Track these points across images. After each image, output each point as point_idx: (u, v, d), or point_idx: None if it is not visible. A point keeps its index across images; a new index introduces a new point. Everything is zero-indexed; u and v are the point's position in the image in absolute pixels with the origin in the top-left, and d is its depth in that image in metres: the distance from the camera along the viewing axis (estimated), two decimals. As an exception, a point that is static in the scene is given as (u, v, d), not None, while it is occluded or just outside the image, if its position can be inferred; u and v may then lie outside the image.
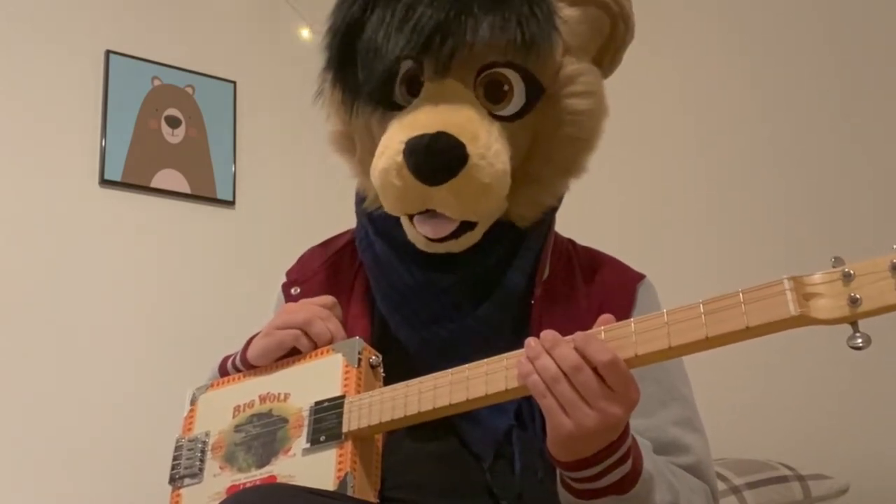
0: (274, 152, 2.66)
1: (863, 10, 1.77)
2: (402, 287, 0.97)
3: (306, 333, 0.93)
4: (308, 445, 0.86)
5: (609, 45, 1.00)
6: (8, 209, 2.19)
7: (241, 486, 0.88)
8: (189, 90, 2.55)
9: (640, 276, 1.02)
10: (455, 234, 0.92)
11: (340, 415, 0.85)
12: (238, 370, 0.99)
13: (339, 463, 0.83)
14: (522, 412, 0.91)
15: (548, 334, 0.73)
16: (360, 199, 1.05)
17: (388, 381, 0.89)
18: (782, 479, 1.49)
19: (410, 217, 0.94)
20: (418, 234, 0.93)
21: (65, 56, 2.36)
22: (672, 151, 2.14)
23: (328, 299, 0.98)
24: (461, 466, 0.90)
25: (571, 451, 0.74)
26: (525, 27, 0.87)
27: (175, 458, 0.97)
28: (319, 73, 0.99)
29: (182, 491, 0.94)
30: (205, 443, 0.96)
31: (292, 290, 1.07)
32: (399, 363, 0.92)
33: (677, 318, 0.70)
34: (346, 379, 0.88)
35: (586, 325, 0.76)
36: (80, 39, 2.39)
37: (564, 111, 0.95)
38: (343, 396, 0.87)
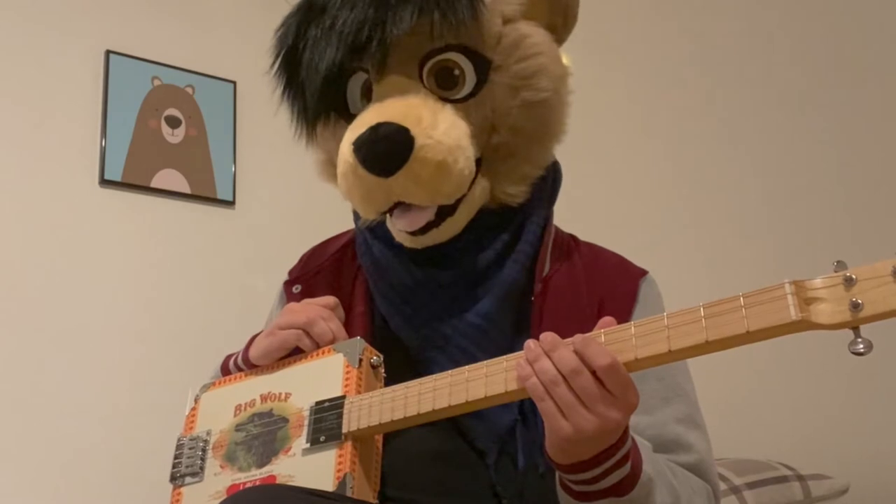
0: (274, 152, 2.65)
1: (861, 7, 1.77)
2: (402, 287, 0.97)
3: (308, 333, 0.93)
4: (308, 445, 0.86)
5: (557, 6, 1.01)
6: (8, 209, 2.18)
7: (242, 486, 0.88)
8: (189, 90, 2.54)
9: (643, 272, 1.01)
10: (435, 223, 0.93)
11: (340, 415, 0.85)
12: (240, 369, 1.00)
13: (339, 463, 0.83)
14: (525, 407, 0.91)
15: (547, 336, 0.73)
16: (357, 217, 1.06)
17: (390, 381, 0.89)
18: (782, 479, 1.49)
19: (390, 216, 0.94)
20: (399, 230, 0.94)
21: (65, 56, 2.35)
22: (672, 152, 2.14)
23: (330, 300, 0.98)
24: (462, 465, 0.90)
25: (570, 454, 0.74)
26: (446, 6, 0.89)
27: (176, 457, 0.97)
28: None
29: (183, 489, 0.94)
30: (206, 441, 0.96)
31: (294, 289, 1.08)
32: (401, 362, 0.93)
33: (677, 321, 0.70)
34: (346, 379, 0.88)
35: (587, 321, 0.76)
36: (80, 39, 2.38)
37: (516, 77, 0.95)
38: (343, 397, 0.87)
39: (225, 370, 1.02)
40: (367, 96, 0.97)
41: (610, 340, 0.72)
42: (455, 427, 0.90)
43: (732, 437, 1.67)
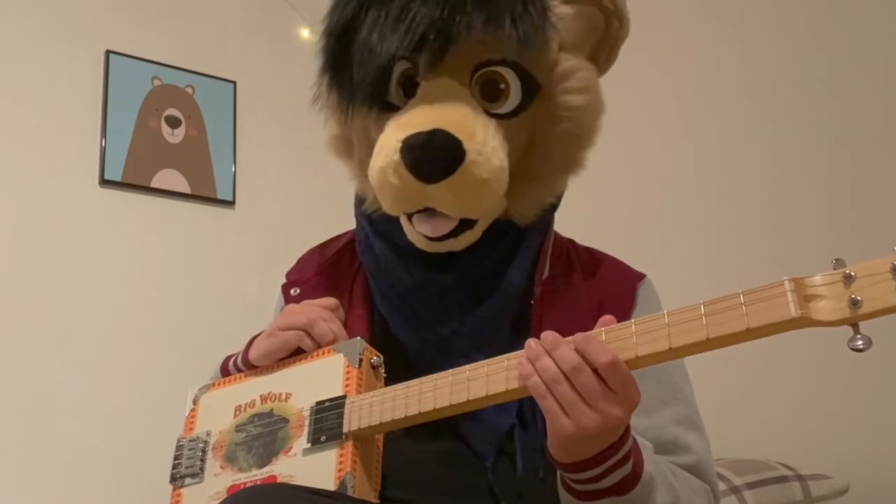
0: (274, 152, 2.66)
1: (862, 8, 1.77)
2: (402, 288, 0.97)
3: (310, 334, 0.93)
4: (309, 445, 0.86)
5: (604, 42, 1.01)
6: (8, 209, 2.19)
7: (242, 486, 0.88)
8: (189, 90, 2.55)
9: (641, 276, 1.02)
10: (454, 233, 0.92)
11: (341, 415, 0.85)
12: (240, 370, 1.00)
13: (340, 463, 0.83)
14: (524, 411, 0.91)
15: (548, 335, 0.73)
16: (360, 202, 1.05)
17: (389, 382, 0.89)
18: (782, 479, 1.49)
19: (409, 217, 0.94)
20: (417, 233, 0.93)
21: (65, 56, 2.35)
22: (673, 152, 2.14)
23: (331, 301, 0.98)
24: (462, 466, 0.90)
25: (572, 452, 0.74)
26: (518, 24, 0.88)
27: (176, 458, 0.97)
28: (316, 77, 0.99)
29: (183, 490, 0.94)
30: (206, 442, 0.96)
31: (292, 292, 1.08)
32: (400, 363, 0.93)
33: (678, 319, 0.70)
34: (347, 379, 0.88)
35: (586, 324, 0.76)
36: (80, 39, 2.39)
37: (561, 108, 0.95)
38: (344, 397, 0.87)
39: (224, 371, 1.02)
40: (405, 88, 0.95)
41: (611, 338, 0.72)
42: (454, 429, 0.91)
43: (732, 436, 1.67)
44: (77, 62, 2.37)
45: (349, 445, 0.84)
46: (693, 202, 2.06)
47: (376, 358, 0.91)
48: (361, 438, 0.85)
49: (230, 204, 2.55)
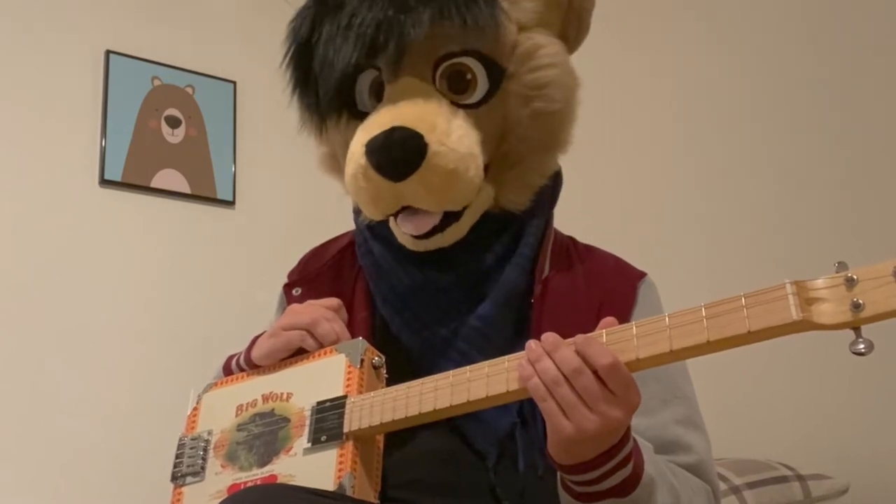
0: (274, 152, 2.66)
1: (864, 10, 1.77)
2: (402, 289, 0.97)
3: (312, 334, 0.93)
4: (309, 445, 0.86)
5: (570, 15, 1.01)
6: (8, 209, 2.19)
7: (243, 485, 0.88)
8: (189, 90, 2.55)
9: (642, 275, 1.02)
10: (440, 228, 0.93)
11: (342, 415, 0.86)
12: (242, 370, 1.00)
13: (340, 463, 0.83)
14: (525, 410, 0.91)
15: (549, 337, 0.73)
16: (357, 213, 1.06)
17: (391, 383, 0.89)
18: (782, 479, 1.49)
19: (395, 218, 0.94)
20: (404, 234, 0.94)
21: (65, 56, 2.35)
22: (674, 154, 2.14)
23: (333, 301, 0.98)
24: (463, 465, 0.90)
25: (572, 454, 0.74)
26: (466, 13, 0.88)
27: (177, 457, 0.97)
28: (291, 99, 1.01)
29: (184, 489, 0.94)
30: (207, 441, 0.96)
31: (294, 292, 1.08)
32: (401, 364, 0.93)
33: (679, 321, 0.70)
34: (348, 379, 0.88)
35: (587, 323, 0.76)
36: (80, 39, 2.39)
37: (528, 87, 0.95)
38: (345, 397, 0.87)
39: (227, 370, 1.02)
40: (376, 94, 0.97)
41: (612, 340, 0.72)
42: (455, 429, 0.91)
43: (732, 437, 1.67)
44: (77, 62, 2.37)
45: (349, 445, 0.84)
46: (695, 204, 2.06)
47: (378, 358, 0.91)
48: (362, 438, 0.85)
49: (230, 204, 2.55)
